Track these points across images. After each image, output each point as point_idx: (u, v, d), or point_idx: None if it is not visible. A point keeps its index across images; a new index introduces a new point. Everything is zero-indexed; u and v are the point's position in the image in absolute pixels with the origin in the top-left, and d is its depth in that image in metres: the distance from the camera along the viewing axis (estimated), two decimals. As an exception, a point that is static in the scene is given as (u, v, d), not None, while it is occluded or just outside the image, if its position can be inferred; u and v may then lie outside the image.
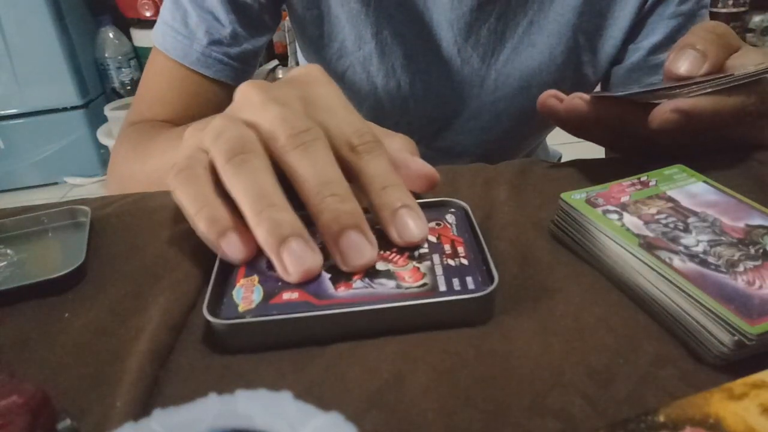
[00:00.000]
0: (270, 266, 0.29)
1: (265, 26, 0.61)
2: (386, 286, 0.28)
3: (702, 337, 0.25)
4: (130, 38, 2.12)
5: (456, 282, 0.28)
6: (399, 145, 0.34)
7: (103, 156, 2.08)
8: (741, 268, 0.27)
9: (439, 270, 0.28)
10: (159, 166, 0.48)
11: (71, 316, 0.30)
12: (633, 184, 0.34)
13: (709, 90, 0.34)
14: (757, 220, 0.30)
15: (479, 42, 0.60)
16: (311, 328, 0.26)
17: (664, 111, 0.34)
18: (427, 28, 0.60)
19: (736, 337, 0.24)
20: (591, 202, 0.32)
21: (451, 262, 0.29)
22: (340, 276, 0.28)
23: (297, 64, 1.39)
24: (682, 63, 0.37)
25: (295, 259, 0.27)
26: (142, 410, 0.23)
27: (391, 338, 0.27)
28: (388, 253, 0.30)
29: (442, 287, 0.27)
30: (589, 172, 0.41)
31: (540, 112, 0.40)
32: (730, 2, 2.38)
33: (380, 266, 0.29)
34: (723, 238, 0.29)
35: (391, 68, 0.62)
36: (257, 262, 0.30)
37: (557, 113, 0.39)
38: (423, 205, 0.31)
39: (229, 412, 0.19)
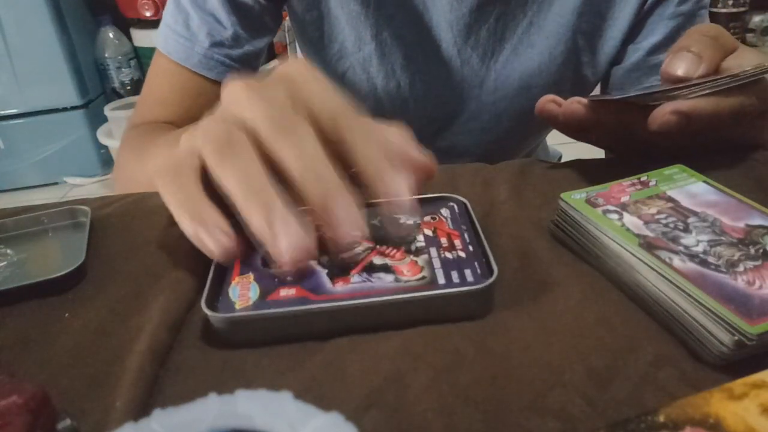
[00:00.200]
0: (265, 263, 0.29)
1: (266, 27, 0.61)
2: (384, 280, 0.27)
3: (702, 337, 0.25)
4: (130, 38, 2.12)
5: (455, 275, 0.28)
6: (395, 133, 0.34)
7: (103, 156, 2.08)
8: (741, 268, 0.27)
9: (437, 263, 0.28)
10: None
11: (71, 316, 0.30)
12: (633, 184, 0.34)
13: (708, 91, 0.35)
14: (757, 220, 0.30)
15: (479, 43, 0.60)
16: (309, 322, 0.26)
17: (664, 113, 0.34)
18: (427, 29, 0.60)
19: (736, 337, 0.24)
20: (591, 202, 0.32)
21: (448, 255, 0.29)
22: (338, 271, 0.28)
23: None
24: (679, 65, 0.37)
25: (288, 237, 0.26)
26: (142, 410, 0.23)
27: (390, 334, 0.27)
28: (384, 247, 0.30)
29: (441, 280, 0.27)
30: (589, 172, 0.41)
31: (539, 116, 0.40)
32: (730, 2, 2.38)
33: (377, 260, 0.29)
34: (723, 238, 0.29)
35: (390, 69, 0.62)
36: (252, 259, 0.30)
37: (556, 118, 0.39)
38: (420, 200, 0.31)
39: (229, 412, 0.19)
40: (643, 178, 0.35)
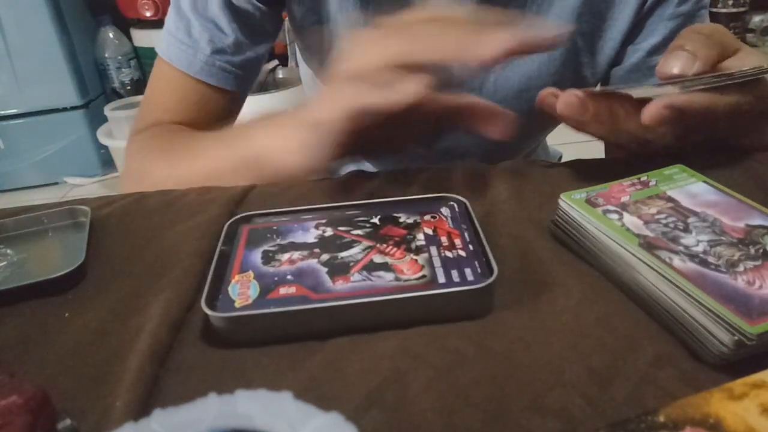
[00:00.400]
0: (265, 261, 0.29)
1: (266, 33, 0.62)
2: (384, 278, 0.27)
3: (702, 337, 0.25)
4: (130, 38, 2.12)
5: (455, 274, 0.28)
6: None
7: (103, 156, 2.08)
8: (741, 268, 0.27)
9: (437, 262, 0.28)
10: (216, 165, 0.48)
11: (71, 316, 0.30)
12: (633, 184, 0.34)
13: (702, 87, 0.35)
14: (757, 220, 0.30)
15: None
16: (310, 321, 0.26)
17: (657, 107, 0.34)
18: None
19: (736, 337, 0.24)
20: (591, 202, 0.32)
21: (448, 254, 0.29)
22: (338, 270, 0.28)
23: (297, 64, 1.39)
24: (674, 64, 0.37)
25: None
26: (142, 410, 0.23)
27: (390, 334, 0.27)
28: (384, 245, 0.30)
29: (441, 279, 0.27)
30: (589, 172, 0.41)
31: (539, 109, 0.40)
32: (730, 2, 2.38)
33: (378, 259, 0.29)
34: (723, 238, 0.29)
35: None
36: (252, 257, 0.30)
37: (554, 110, 0.39)
38: (420, 200, 0.31)
39: (229, 412, 0.19)
40: (643, 178, 0.35)
